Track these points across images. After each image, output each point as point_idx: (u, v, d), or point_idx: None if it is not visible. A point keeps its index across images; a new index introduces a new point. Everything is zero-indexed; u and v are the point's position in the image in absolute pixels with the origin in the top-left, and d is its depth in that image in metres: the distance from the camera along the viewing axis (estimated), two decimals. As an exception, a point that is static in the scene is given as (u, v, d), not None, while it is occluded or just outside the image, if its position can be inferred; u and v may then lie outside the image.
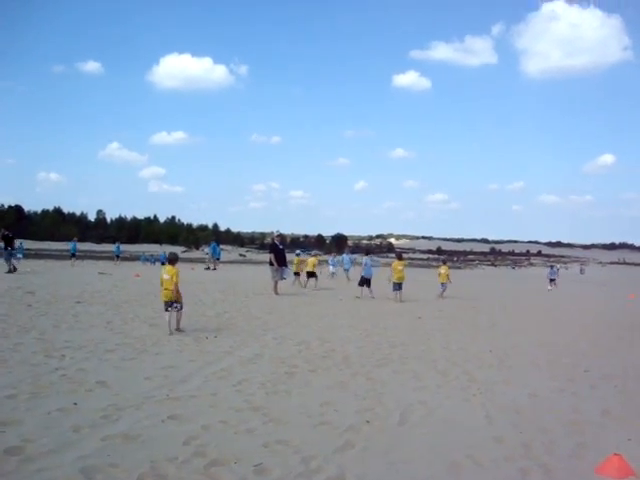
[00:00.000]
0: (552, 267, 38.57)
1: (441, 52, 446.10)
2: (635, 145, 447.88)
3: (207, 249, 48.00)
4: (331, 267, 32.17)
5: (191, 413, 6.22)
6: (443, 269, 23.85)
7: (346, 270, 31.31)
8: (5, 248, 26.29)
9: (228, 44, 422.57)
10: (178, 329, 11.32)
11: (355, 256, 35.92)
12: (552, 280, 34.54)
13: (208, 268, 36.98)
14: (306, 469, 4.88)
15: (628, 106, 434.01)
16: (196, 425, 5.82)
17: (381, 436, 5.84)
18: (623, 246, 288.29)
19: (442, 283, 23.56)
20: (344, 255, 32.43)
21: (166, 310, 11.21)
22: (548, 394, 7.88)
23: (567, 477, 5.03)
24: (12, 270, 25.38)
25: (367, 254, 24.42)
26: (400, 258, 21.89)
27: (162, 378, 7.68)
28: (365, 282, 21.50)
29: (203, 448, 5.21)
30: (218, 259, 45.01)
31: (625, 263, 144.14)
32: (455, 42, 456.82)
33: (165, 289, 11.28)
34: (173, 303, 11.20)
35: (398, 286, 20.56)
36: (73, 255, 41.58)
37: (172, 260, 11.72)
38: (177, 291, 11.23)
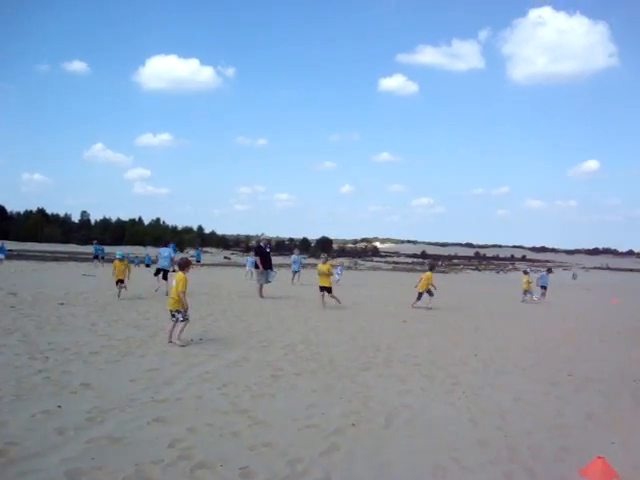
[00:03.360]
0: (547, 271, 30.33)
1: (428, 56, 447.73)
2: (619, 151, 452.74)
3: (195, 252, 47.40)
4: (337, 275, 31.51)
5: (176, 416, 6.21)
6: (525, 278, 26.49)
7: (295, 272, 29.98)
8: None
9: (215, 46, 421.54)
10: (171, 341, 10.50)
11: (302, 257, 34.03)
12: (543, 288, 27.42)
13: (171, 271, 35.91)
14: (292, 472, 4.89)
15: (613, 112, 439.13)
16: (181, 428, 5.81)
17: (367, 439, 5.85)
18: (606, 251, 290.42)
19: (525, 291, 26.05)
20: (294, 255, 31.54)
21: (171, 318, 10.75)
22: (532, 398, 7.93)
23: (551, 480, 5.06)
24: None
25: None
26: (430, 269, 21.47)
27: (147, 380, 7.66)
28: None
29: (189, 451, 5.20)
30: (199, 261, 44.37)
31: (608, 268, 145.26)
32: (442, 46, 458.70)
33: (170, 297, 10.86)
34: (173, 312, 10.68)
35: (419, 294, 20.18)
36: (96, 257, 41.49)
37: (181, 266, 11.07)
38: (180, 300, 10.60)
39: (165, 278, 19.22)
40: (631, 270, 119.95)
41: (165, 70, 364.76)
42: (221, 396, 7.17)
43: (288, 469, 4.95)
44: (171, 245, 38.01)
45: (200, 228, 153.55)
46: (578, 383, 9.00)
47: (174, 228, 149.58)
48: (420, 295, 20.08)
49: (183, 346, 10.29)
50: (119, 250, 25.99)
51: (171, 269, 18.46)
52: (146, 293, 19.23)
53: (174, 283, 10.76)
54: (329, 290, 18.41)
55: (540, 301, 25.94)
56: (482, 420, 6.72)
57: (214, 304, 17.52)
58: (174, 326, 10.65)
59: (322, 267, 18.67)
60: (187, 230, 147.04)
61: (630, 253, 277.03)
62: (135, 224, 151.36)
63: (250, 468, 4.90)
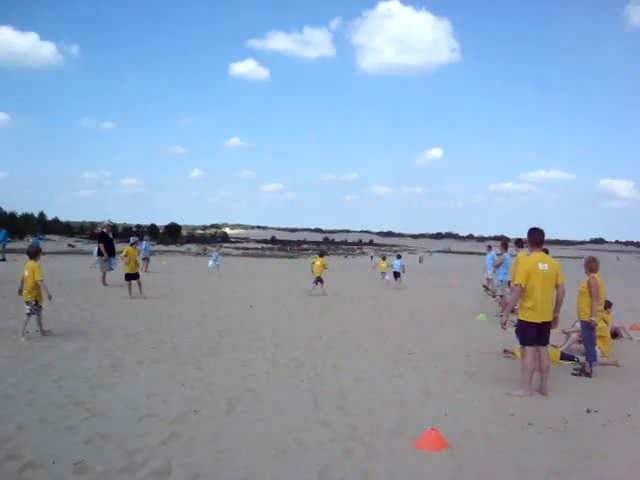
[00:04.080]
0: (400, 257, 28.06)
1: (279, 42, 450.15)
2: (460, 140, 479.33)
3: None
4: (211, 262, 30.74)
5: (5, 413, 5.88)
6: (384, 263, 29.37)
7: (144, 259, 28.54)
8: None
9: (57, 20, 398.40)
10: (46, 332, 10.28)
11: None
12: (397, 274, 26.14)
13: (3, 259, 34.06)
14: (130, 463, 4.80)
15: (455, 104, 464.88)
16: (10, 426, 5.52)
17: (208, 425, 5.84)
18: (449, 235, 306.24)
19: (382, 272, 28.44)
20: (144, 242, 30.68)
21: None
22: (373, 377, 8.22)
23: (388, 454, 5.28)
24: None
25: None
26: (321, 255, 22.27)
27: (-27, 378, 7.19)
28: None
29: (18, 450, 4.94)
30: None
31: (450, 252, 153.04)
32: (294, 33, 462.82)
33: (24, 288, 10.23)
34: (27, 303, 10.13)
35: (316, 279, 20.69)
36: None
37: (32, 254, 10.52)
38: (37, 289, 10.17)
39: None
40: (471, 253, 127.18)
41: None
42: (57, 389, 6.89)
43: (126, 460, 4.84)
44: (2, 232, 36.05)
45: (42, 214, 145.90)
46: (417, 361, 9.42)
47: (12, 214, 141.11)
48: (319, 280, 20.62)
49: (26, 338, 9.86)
50: None
51: None
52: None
53: (27, 273, 10.17)
54: (134, 277, 17.12)
55: (397, 284, 26.12)
56: (324, 401, 6.88)
57: (54, 294, 16.65)
58: (29, 318, 10.14)
59: (130, 251, 17.64)
60: (27, 217, 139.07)
61: (470, 237, 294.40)
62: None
63: (85, 462, 4.75)
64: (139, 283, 17.06)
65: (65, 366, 8.03)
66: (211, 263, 30.20)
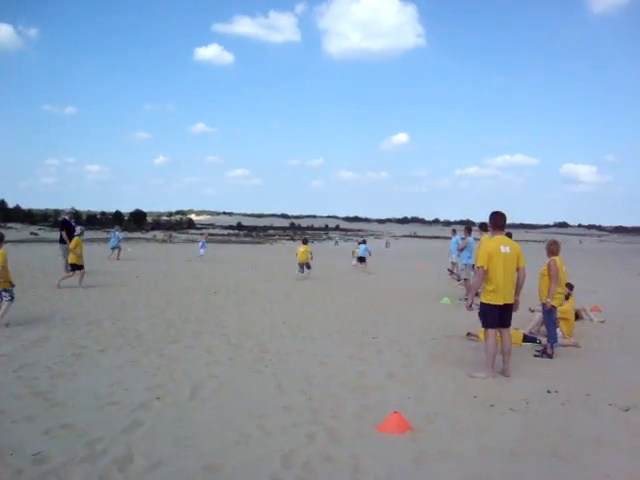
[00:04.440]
0: (365, 242, 29.58)
1: (244, 27, 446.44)
2: (425, 125, 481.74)
3: None
4: (201, 250, 30.36)
5: (-39, 406, 5.76)
6: (355, 249, 29.29)
7: (113, 248, 29.29)
8: None
9: (13, 2, 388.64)
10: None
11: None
12: (362, 259, 27.09)
13: None
14: (91, 452, 4.73)
15: (420, 89, 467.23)
16: (-33, 418, 5.41)
17: (171, 412, 5.80)
18: (414, 220, 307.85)
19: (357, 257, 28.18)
20: (115, 232, 30.52)
21: None
22: (337, 361, 8.23)
23: (351, 437, 5.28)
24: None
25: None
26: (304, 243, 23.08)
27: None
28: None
29: (-27, 443, 4.84)
30: None
31: (416, 236, 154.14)
32: (259, 17, 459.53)
33: None
34: (5, 291, 10.04)
35: (300, 267, 21.67)
36: None
37: None
38: (5, 277, 10.05)
39: None
40: (437, 237, 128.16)
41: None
42: (16, 379, 6.77)
43: (87, 450, 4.77)
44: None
45: (3, 202, 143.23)
46: (381, 345, 9.45)
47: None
48: (305, 266, 21.66)
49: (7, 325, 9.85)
50: None
51: None
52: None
53: None
54: (74, 268, 16.41)
55: (363, 268, 26.34)
56: (288, 386, 6.88)
57: (16, 282, 16.41)
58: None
59: (78, 242, 16.77)
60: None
61: (436, 221, 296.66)
62: None
63: (45, 453, 4.67)
64: (78, 274, 16.44)
65: (25, 355, 7.91)
66: (202, 251, 30.00)
